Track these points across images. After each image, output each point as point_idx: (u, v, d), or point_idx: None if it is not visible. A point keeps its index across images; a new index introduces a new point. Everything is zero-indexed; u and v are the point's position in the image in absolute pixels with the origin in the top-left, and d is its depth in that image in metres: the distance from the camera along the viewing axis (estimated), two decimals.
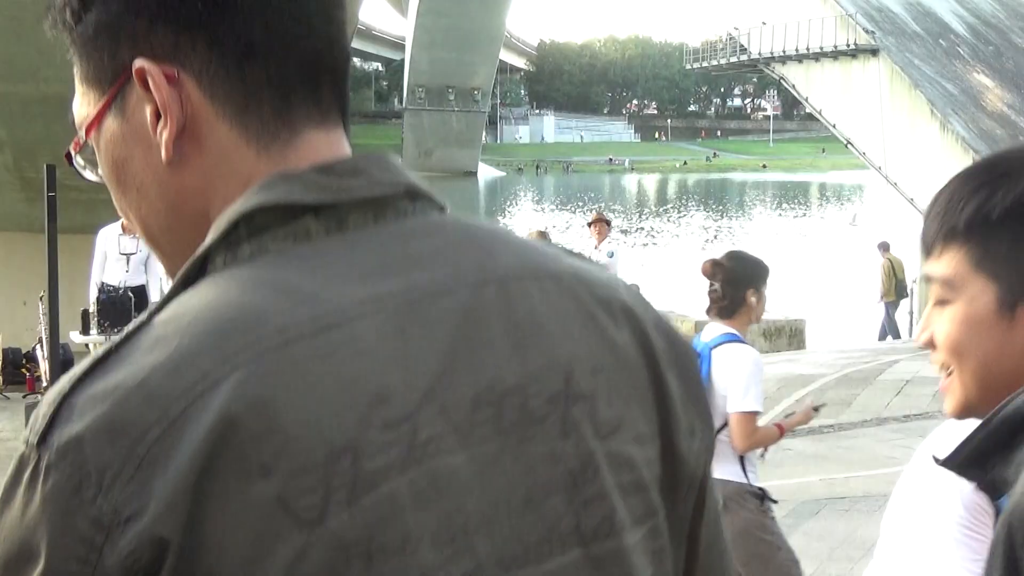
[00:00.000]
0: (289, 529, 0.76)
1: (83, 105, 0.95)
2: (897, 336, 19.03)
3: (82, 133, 0.95)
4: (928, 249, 1.30)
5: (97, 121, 0.93)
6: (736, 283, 4.46)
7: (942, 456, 1.24)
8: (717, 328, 4.49)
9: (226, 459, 0.75)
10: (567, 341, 0.89)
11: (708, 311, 4.57)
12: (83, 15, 0.91)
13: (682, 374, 0.95)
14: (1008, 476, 1.16)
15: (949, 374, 1.30)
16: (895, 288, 19.15)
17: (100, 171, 0.96)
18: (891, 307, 19.34)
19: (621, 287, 0.96)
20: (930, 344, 1.31)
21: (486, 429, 0.83)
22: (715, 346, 4.43)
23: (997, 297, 1.25)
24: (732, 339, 4.44)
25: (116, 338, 0.82)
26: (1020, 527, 1.06)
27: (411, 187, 0.91)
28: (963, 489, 2.29)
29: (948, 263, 1.28)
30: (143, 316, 0.84)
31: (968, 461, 1.21)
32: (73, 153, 0.97)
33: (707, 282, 4.57)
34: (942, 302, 1.29)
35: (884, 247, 19.49)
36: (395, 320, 0.83)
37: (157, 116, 0.89)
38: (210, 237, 0.86)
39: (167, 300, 0.84)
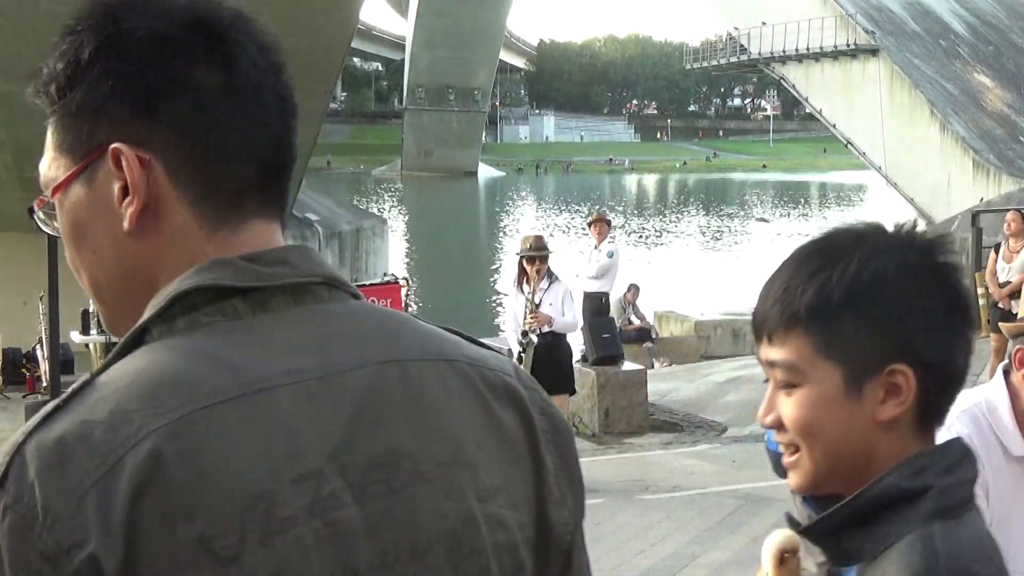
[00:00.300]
0: (210, 565, 0.88)
1: (52, 168, 1.05)
2: None
3: (48, 192, 1.05)
4: (768, 335, 1.32)
5: (64, 185, 1.04)
6: None
7: (798, 521, 1.34)
8: None
9: (155, 499, 0.88)
10: (457, 417, 1.03)
11: None
12: (68, 92, 1.01)
13: (559, 451, 1.09)
14: (862, 548, 1.27)
15: (794, 451, 1.33)
16: None
17: (57, 226, 1.07)
18: None
19: (511, 372, 1.10)
20: (776, 425, 1.34)
21: (380, 488, 0.96)
22: None
23: (844, 379, 1.29)
24: None
25: (63, 395, 0.94)
26: None
27: (329, 276, 1.05)
28: None
29: (792, 349, 1.30)
30: (86, 376, 0.96)
31: (825, 531, 1.30)
32: (36, 208, 1.09)
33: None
34: (788, 386, 1.32)
35: None
36: (309, 391, 0.96)
37: (124, 192, 1.01)
38: (149, 312, 0.99)
39: (108, 364, 0.97)
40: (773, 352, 1.32)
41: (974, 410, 2.35)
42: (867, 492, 1.27)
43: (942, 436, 2.33)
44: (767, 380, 1.36)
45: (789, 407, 1.32)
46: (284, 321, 0.99)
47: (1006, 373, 2.37)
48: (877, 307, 1.27)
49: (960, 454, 1.32)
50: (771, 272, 1.36)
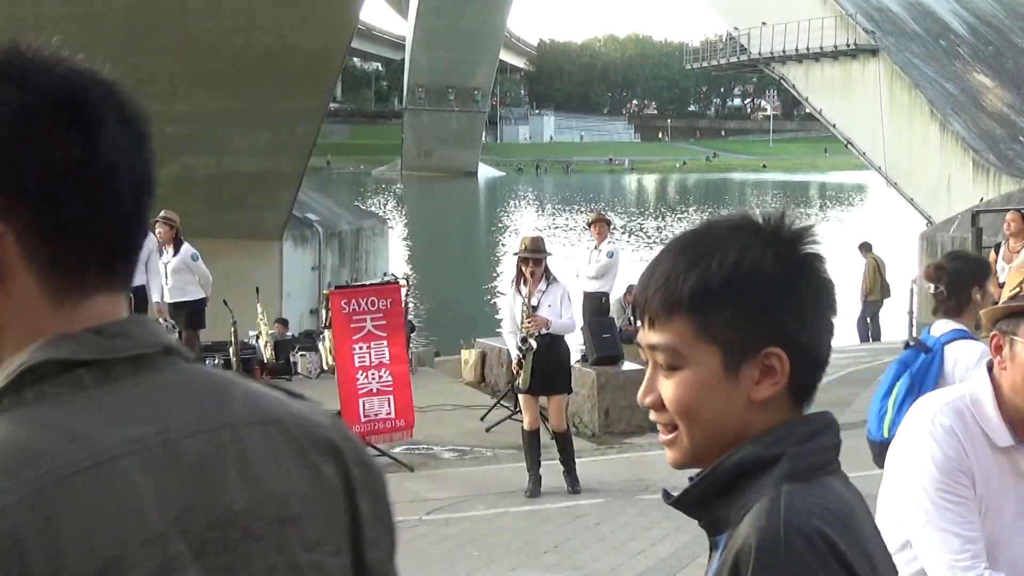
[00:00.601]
0: None
1: None
2: (870, 337, 19.10)
3: None
4: (650, 320, 1.40)
5: None
6: (960, 284, 4.68)
7: (672, 494, 1.43)
8: (946, 324, 4.66)
9: (14, 572, 0.94)
10: (284, 475, 1.13)
11: (935, 311, 4.78)
12: None
13: (372, 496, 1.21)
14: (729, 516, 1.35)
15: (672, 430, 1.41)
16: (880, 287, 19.26)
17: None
18: (874, 306, 19.40)
19: (329, 426, 1.20)
20: (656, 405, 1.42)
21: (217, 547, 1.07)
22: (947, 342, 4.59)
23: (722, 361, 1.37)
24: (963, 335, 4.62)
25: None
26: (745, 562, 1.29)
27: (167, 345, 1.13)
28: (934, 452, 2.36)
29: (673, 333, 1.38)
30: None
31: (694, 502, 1.40)
32: None
33: (930, 285, 4.76)
34: (669, 368, 1.39)
35: (866, 247, 19.57)
36: (152, 458, 1.05)
37: None
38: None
39: None
40: (654, 336, 1.40)
41: (958, 403, 2.39)
42: (725, 462, 1.36)
43: (925, 430, 2.37)
44: (647, 362, 1.44)
45: (669, 388, 1.40)
46: (126, 390, 1.07)
47: (989, 368, 2.41)
48: (753, 295, 1.36)
49: (822, 425, 1.40)
50: (654, 259, 1.43)
